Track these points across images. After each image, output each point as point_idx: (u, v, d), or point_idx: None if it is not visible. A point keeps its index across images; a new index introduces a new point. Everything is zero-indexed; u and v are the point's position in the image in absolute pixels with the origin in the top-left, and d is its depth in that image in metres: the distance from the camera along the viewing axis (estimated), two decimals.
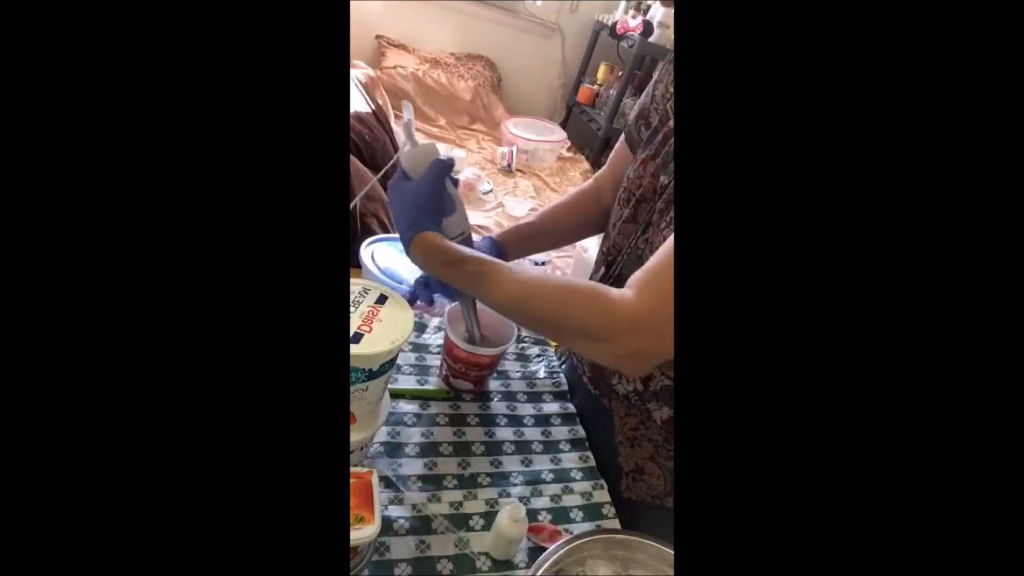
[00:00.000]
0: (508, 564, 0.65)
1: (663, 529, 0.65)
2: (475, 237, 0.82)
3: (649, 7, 2.75)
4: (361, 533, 0.52)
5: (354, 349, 0.56)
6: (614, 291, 0.59)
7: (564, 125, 3.21)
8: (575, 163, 2.89)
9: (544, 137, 2.83)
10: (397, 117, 2.39)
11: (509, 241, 0.89)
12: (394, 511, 0.66)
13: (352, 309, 0.60)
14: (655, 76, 0.83)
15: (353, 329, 0.58)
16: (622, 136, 0.88)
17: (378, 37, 2.89)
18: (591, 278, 0.91)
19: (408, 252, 0.67)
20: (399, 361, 0.86)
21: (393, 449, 0.74)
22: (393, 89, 2.62)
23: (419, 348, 0.92)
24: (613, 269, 0.81)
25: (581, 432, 0.86)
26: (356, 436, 0.62)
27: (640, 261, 0.75)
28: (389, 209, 1.67)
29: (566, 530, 0.70)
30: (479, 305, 0.86)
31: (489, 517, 0.68)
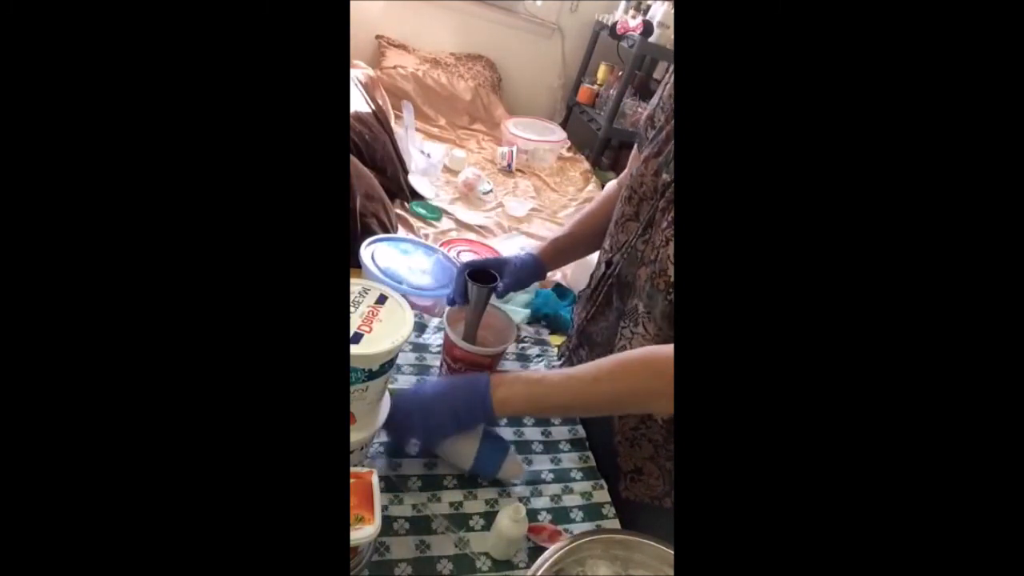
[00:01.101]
0: (508, 564, 0.65)
1: (662, 529, 0.65)
2: (509, 251, 0.84)
3: (649, 7, 2.75)
4: (361, 533, 0.52)
5: (354, 349, 0.56)
6: (665, 348, 0.64)
7: (564, 125, 3.21)
8: (575, 163, 2.89)
9: (544, 137, 2.83)
10: (397, 117, 2.39)
11: (548, 255, 0.91)
12: (394, 511, 0.66)
13: (352, 309, 0.60)
14: (664, 78, 0.83)
15: (353, 329, 0.58)
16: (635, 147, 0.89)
17: (378, 37, 2.89)
18: (591, 277, 0.91)
19: (494, 414, 0.66)
20: (399, 361, 0.86)
21: (393, 449, 0.74)
22: (393, 89, 2.62)
23: (419, 348, 0.92)
24: (612, 269, 0.81)
25: (581, 432, 0.86)
26: (356, 436, 0.62)
27: (639, 261, 0.75)
28: (389, 212, 1.67)
29: (566, 530, 0.70)
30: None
31: (489, 517, 0.68)
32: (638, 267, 0.76)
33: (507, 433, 0.82)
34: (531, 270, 0.88)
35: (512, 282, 0.86)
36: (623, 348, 0.77)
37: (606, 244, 0.85)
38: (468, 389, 0.67)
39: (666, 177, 0.72)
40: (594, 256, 0.92)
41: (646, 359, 0.65)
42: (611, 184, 0.97)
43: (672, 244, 0.69)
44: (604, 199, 0.94)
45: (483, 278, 0.79)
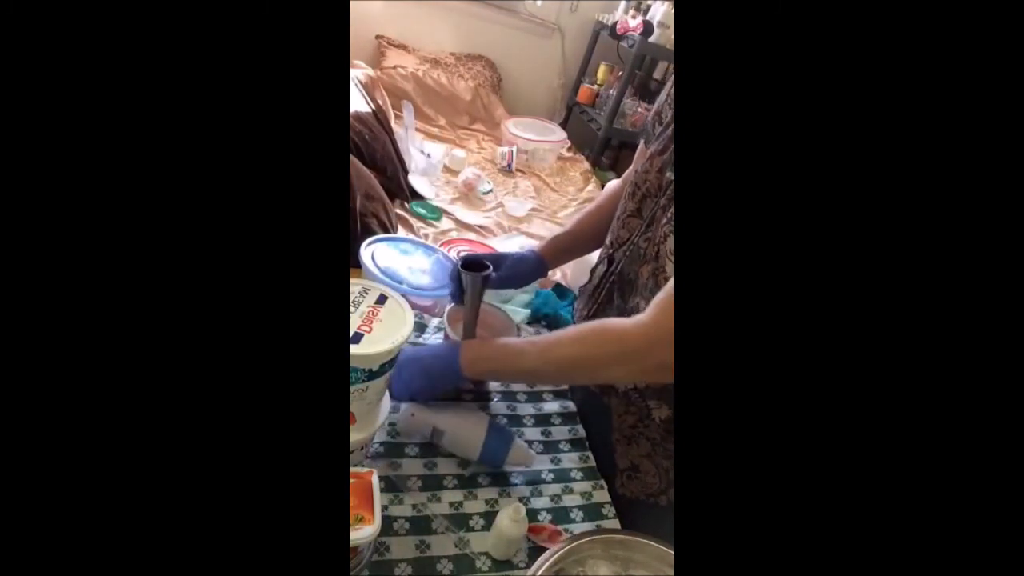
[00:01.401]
0: (508, 564, 0.65)
1: (657, 526, 0.65)
2: (514, 248, 0.83)
3: (649, 7, 2.75)
4: (361, 533, 0.52)
5: (354, 349, 0.56)
6: (627, 320, 0.66)
7: (564, 125, 3.21)
8: (575, 163, 2.89)
9: (544, 137, 2.83)
10: (397, 117, 2.39)
11: (549, 252, 0.91)
12: (394, 511, 0.66)
13: (352, 309, 0.60)
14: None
15: (353, 329, 0.58)
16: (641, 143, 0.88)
17: (378, 37, 2.89)
18: (592, 273, 0.90)
19: (462, 372, 0.69)
20: None
21: (393, 449, 0.74)
22: (393, 89, 2.61)
23: None
24: (614, 266, 0.81)
25: (581, 432, 0.85)
26: (356, 436, 0.62)
27: (642, 259, 0.75)
28: (389, 212, 1.67)
29: (566, 530, 0.70)
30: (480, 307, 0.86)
31: (489, 517, 0.68)
32: (640, 265, 0.75)
33: None
34: (530, 265, 0.88)
35: (509, 275, 0.86)
36: None
37: (608, 240, 0.84)
38: (439, 352, 0.71)
39: (670, 175, 0.72)
40: (594, 254, 0.91)
41: (600, 327, 0.67)
42: (614, 182, 0.96)
43: (671, 239, 0.69)
44: (607, 197, 0.94)
45: (477, 268, 0.79)
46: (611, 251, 0.82)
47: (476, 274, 0.77)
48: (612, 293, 0.82)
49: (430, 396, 0.74)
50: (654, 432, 0.78)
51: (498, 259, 0.86)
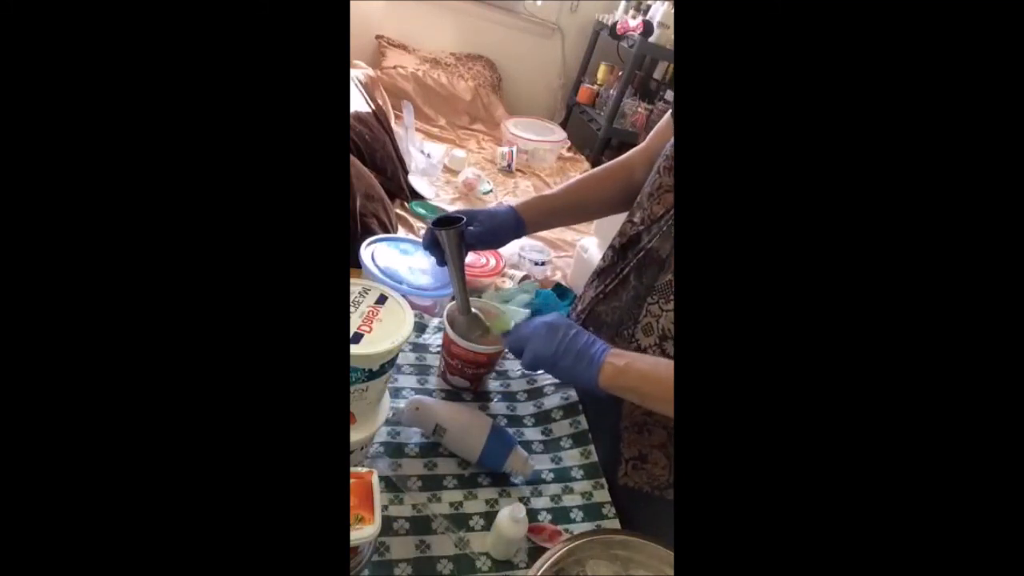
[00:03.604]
0: (508, 564, 0.65)
1: (657, 520, 0.64)
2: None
3: (649, 7, 2.75)
4: (361, 533, 0.52)
5: (354, 349, 0.56)
6: None
7: (564, 125, 3.21)
8: (575, 163, 2.89)
9: (544, 137, 2.83)
10: (397, 117, 2.39)
11: (530, 213, 0.85)
12: (394, 511, 0.66)
13: (352, 309, 0.60)
14: None
15: (353, 329, 0.58)
16: (668, 113, 0.84)
17: (378, 37, 2.89)
18: (608, 249, 0.86)
19: (597, 384, 0.66)
20: (399, 361, 0.86)
21: (393, 449, 0.74)
22: (393, 89, 2.62)
23: (419, 348, 0.92)
24: (643, 242, 0.77)
25: (583, 424, 0.83)
26: (356, 436, 0.62)
27: None
28: (389, 212, 1.67)
29: (566, 530, 0.70)
30: (472, 301, 0.85)
31: (489, 517, 0.68)
32: (670, 243, 0.72)
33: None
34: (504, 219, 0.83)
35: (485, 230, 0.81)
36: (649, 325, 0.74)
37: (636, 217, 0.80)
38: (584, 347, 0.67)
39: None
40: (596, 252, 0.90)
41: None
42: (618, 158, 0.92)
43: None
44: (604, 169, 0.90)
45: (450, 225, 0.76)
46: (640, 228, 0.78)
47: (450, 230, 0.76)
48: (630, 274, 0.78)
49: (543, 368, 0.70)
50: (672, 421, 0.75)
51: (470, 215, 0.82)
